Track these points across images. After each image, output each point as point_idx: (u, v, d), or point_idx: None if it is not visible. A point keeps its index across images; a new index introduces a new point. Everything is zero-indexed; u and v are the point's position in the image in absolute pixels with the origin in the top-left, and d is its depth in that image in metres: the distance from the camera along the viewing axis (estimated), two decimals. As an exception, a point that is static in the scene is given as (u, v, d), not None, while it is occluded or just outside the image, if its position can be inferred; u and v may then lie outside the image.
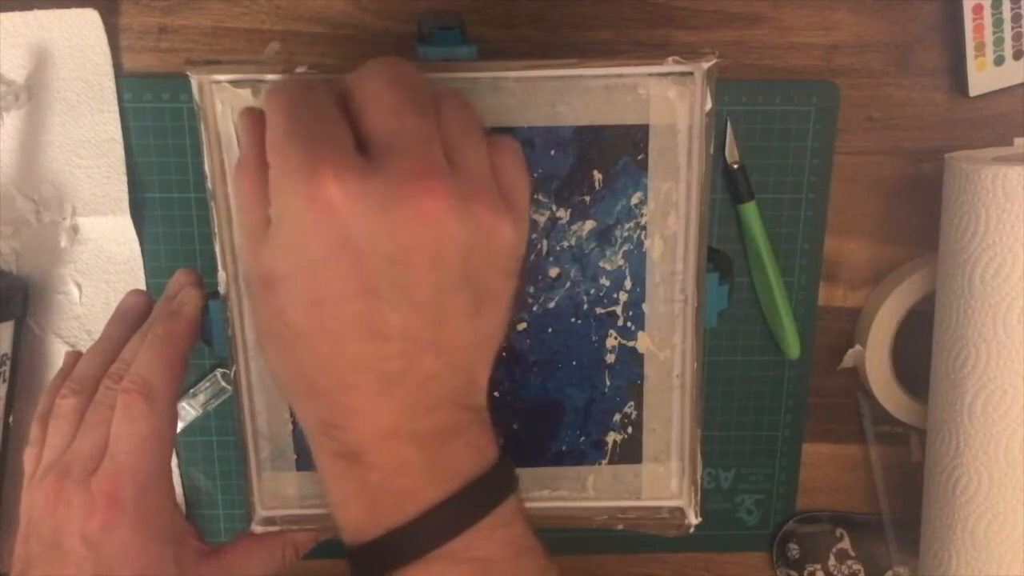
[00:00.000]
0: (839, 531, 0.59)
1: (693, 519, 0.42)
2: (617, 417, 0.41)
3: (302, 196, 0.30)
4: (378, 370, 0.31)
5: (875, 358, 0.55)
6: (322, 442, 0.33)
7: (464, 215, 0.31)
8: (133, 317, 0.42)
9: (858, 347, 0.56)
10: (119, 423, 0.38)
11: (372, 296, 0.30)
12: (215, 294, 0.39)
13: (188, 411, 0.55)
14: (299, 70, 0.35)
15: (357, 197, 0.29)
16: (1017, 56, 0.52)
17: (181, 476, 0.56)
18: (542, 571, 0.35)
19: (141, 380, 0.38)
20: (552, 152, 0.38)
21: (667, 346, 0.40)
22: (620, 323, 0.40)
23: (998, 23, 0.52)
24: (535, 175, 0.38)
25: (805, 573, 0.59)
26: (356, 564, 0.34)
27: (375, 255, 0.30)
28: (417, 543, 0.32)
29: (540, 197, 0.38)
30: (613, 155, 0.38)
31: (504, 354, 0.40)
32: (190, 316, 0.40)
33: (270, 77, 0.36)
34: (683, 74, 0.37)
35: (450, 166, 0.31)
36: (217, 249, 0.38)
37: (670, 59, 0.37)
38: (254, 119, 0.33)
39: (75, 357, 0.43)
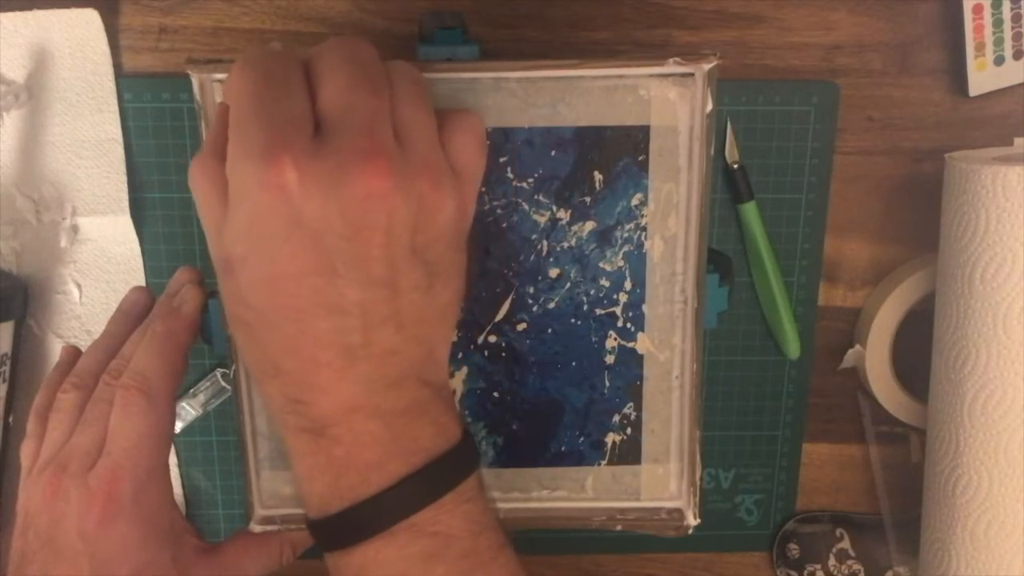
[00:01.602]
0: (839, 531, 0.60)
1: (692, 520, 0.42)
2: (616, 418, 0.41)
3: (258, 179, 0.30)
4: (340, 344, 0.32)
5: (875, 358, 0.55)
6: (288, 419, 0.34)
7: (409, 192, 0.31)
8: (135, 314, 0.43)
9: (858, 347, 0.56)
10: (117, 419, 0.38)
11: (329, 272, 0.31)
12: (215, 293, 0.39)
13: (188, 411, 0.55)
14: (272, 44, 0.35)
15: (310, 178, 0.30)
16: (1017, 56, 0.52)
17: (181, 476, 0.56)
18: (500, 548, 0.35)
19: (140, 376, 0.38)
20: (553, 153, 0.38)
21: (667, 347, 0.40)
22: (620, 324, 0.40)
23: (998, 23, 0.52)
24: (536, 175, 0.38)
25: (805, 573, 0.59)
26: (321, 537, 0.34)
27: (329, 233, 0.30)
28: (381, 516, 0.33)
29: (540, 197, 0.38)
30: (614, 156, 0.38)
31: (504, 354, 0.40)
32: (190, 314, 0.40)
33: None
34: (684, 75, 0.37)
35: (398, 142, 0.32)
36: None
37: (671, 60, 0.36)
38: (224, 108, 0.33)
39: (71, 352, 0.43)
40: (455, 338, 0.40)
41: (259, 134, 0.30)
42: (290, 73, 0.32)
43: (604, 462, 0.42)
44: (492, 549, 0.35)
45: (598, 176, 0.38)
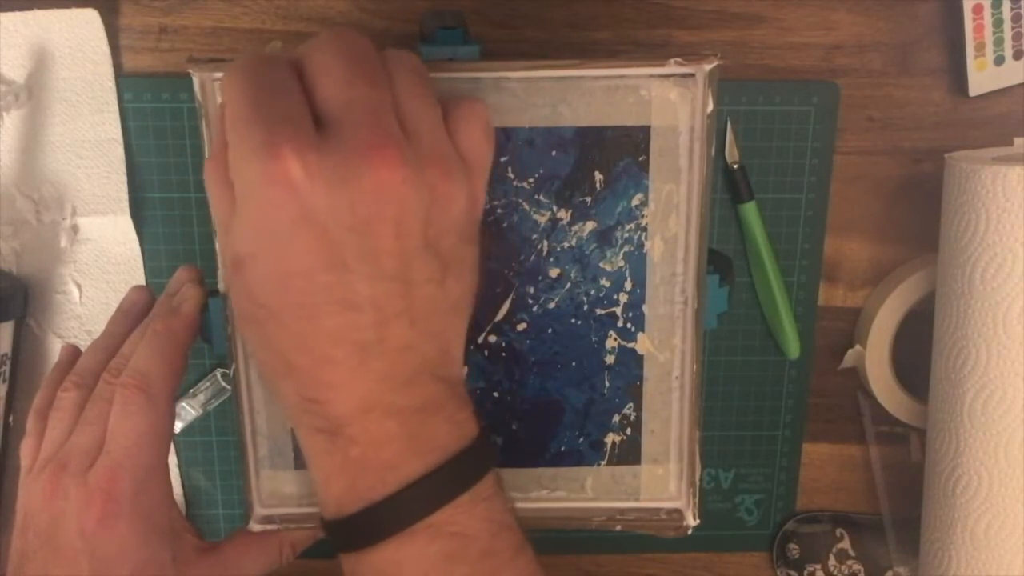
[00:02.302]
0: (839, 531, 0.60)
1: (691, 521, 0.42)
2: (616, 418, 0.41)
3: (262, 174, 0.30)
4: (353, 341, 0.31)
5: (875, 358, 0.55)
6: (303, 419, 0.33)
7: (419, 183, 0.31)
8: (135, 313, 0.43)
9: (858, 347, 0.56)
10: (116, 418, 0.38)
11: (339, 268, 0.30)
12: (215, 292, 0.39)
13: (188, 411, 0.55)
14: (273, 44, 0.35)
15: (316, 172, 0.29)
16: (1017, 56, 0.52)
17: (181, 476, 0.56)
18: (519, 547, 0.35)
19: (139, 375, 0.38)
20: (553, 153, 0.38)
21: (667, 347, 0.40)
22: (620, 324, 0.40)
23: (998, 23, 0.52)
24: (536, 175, 0.38)
25: (805, 573, 0.59)
26: (337, 539, 0.34)
27: (338, 227, 0.30)
28: (397, 516, 0.32)
29: (541, 198, 0.38)
30: (614, 156, 0.38)
31: (504, 354, 0.40)
32: (190, 313, 0.40)
33: None
34: (685, 76, 0.37)
35: (404, 133, 0.31)
36: (217, 247, 0.38)
37: (672, 60, 0.36)
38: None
39: (71, 351, 0.43)
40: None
41: (257, 131, 0.30)
42: (280, 73, 0.32)
43: (604, 462, 0.42)
44: (511, 549, 0.34)
45: (599, 176, 0.38)
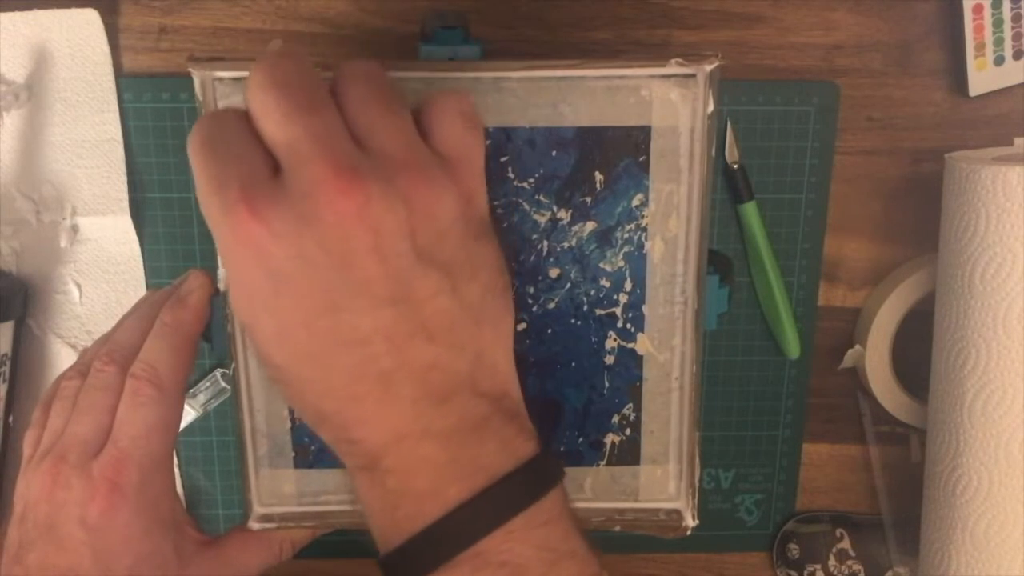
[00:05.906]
0: (839, 531, 0.60)
1: (690, 521, 0.42)
2: (616, 419, 0.41)
3: (228, 240, 0.29)
4: (373, 374, 0.30)
5: (875, 358, 0.55)
6: (346, 460, 0.33)
7: (389, 199, 0.29)
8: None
9: (858, 347, 0.56)
10: (126, 409, 0.37)
11: (334, 309, 0.29)
12: (216, 292, 0.39)
13: (188, 411, 0.55)
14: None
15: (275, 222, 0.28)
16: (1017, 56, 0.52)
17: (181, 476, 0.56)
18: None
19: (149, 367, 0.38)
20: (554, 153, 0.38)
21: (666, 348, 0.40)
22: (620, 324, 0.40)
23: (998, 23, 0.52)
24: (536, 175, 0.38)
25: (805, 573, 0.59)
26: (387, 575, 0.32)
27: (316, 271, 0.29)
28: (440, 547, 0.31)
29: (541, 198, 0.38)
30: (615, 156, 0.38)
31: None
32: (197, 303, 0.39)
33: None
34: (685, 76, 0.37)
35: (363, 150, 0.30)
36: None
37: (673, 61, 0.36)
38: None
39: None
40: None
41: (213, 197, 0.29)
42: (229, 127, 0.30)
43: (603, 463, 0.42)
44: None
45: (599, 176, 0.38)
